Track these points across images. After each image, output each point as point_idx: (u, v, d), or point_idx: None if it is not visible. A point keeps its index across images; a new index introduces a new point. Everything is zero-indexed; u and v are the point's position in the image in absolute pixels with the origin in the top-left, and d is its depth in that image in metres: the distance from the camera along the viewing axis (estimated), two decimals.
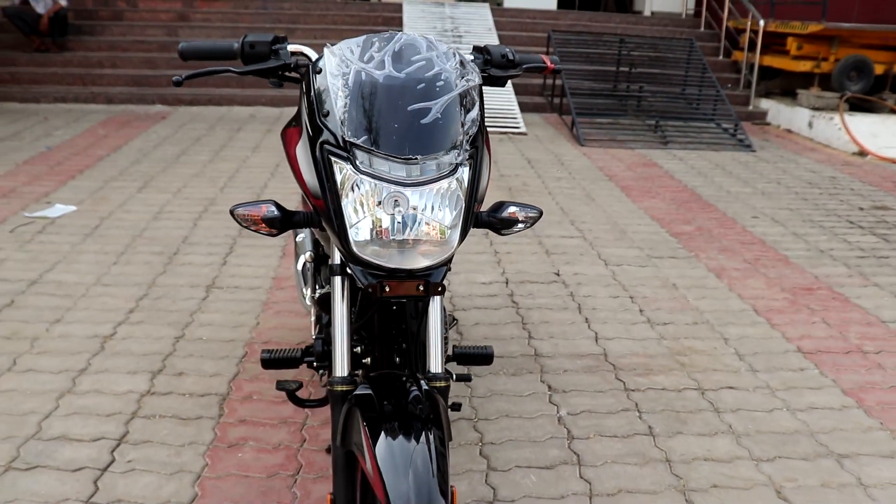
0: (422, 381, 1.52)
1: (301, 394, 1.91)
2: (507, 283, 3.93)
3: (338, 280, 1.59)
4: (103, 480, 2.36)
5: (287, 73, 1.72)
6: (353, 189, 1.42)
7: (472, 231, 4.69)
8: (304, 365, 2.13)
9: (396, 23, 10.11)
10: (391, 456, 1.32)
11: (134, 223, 4.69)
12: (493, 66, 1.78)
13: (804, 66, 8.97)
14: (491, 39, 9.61)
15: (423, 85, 1.47)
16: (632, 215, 5.20)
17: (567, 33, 9.45)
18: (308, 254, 2.21)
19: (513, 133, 7.82)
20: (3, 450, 2.49)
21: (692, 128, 8.25)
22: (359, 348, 1.91)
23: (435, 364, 1.58)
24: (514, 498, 2.30)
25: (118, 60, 9.24)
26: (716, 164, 7.04)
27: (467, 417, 2.71)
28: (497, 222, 1.68)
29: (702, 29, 10.97)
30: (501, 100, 8.42)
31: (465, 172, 1.48)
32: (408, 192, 1.42)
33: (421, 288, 1.49)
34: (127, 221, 4.72)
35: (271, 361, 2.14)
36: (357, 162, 1.43)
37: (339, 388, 1.53)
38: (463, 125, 1.49)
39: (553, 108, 8.96)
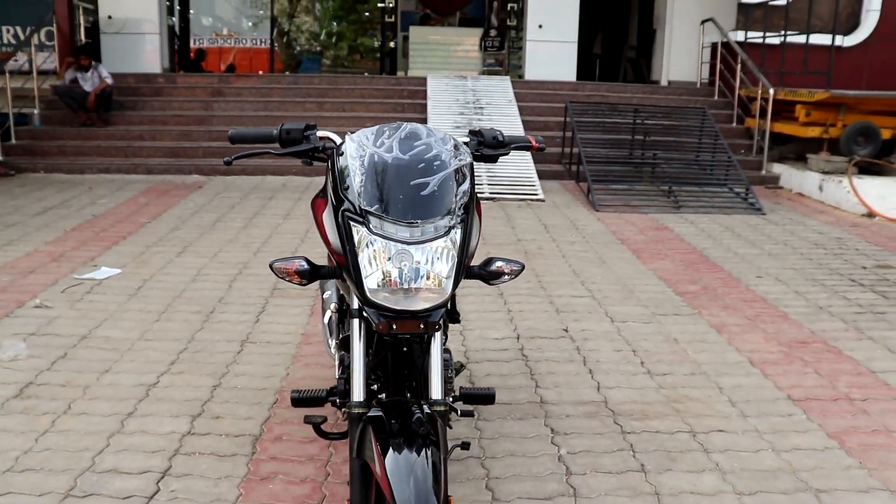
0: (424, 406, 1.83)
1: (326, 428, 2.22)
2: (518, 338, 4.22)
3: (356, 322, 1.93)
4: None
5: (316, 155, 2.11)
6: (367, 246, 1.78)
7: (484, 290, 5.00)
8: (329, 404, 2.44)
9: (421, 95, 10.65)
10: (397, 466, 1.63)
11: (174, 285, 5.08)
12: (485, 147, 2.16)
13: (813, 132, 9.30)
14: (511, 110, 10.09)
15: (423, 164, 1.84)
16: (640, 276, 5.49)
17: (584, 104, 9.91)
18: (333, 305, 2.55)
19: (531, 200, 8.19)
20: (63, 480, 2.81)
21: (705, 192, 8.57)
22: (375, 386, 2.22)
23: (435, 391, 1.89)
24: None
25: (157, 133, 9.84)
26: (726, 226, 7.33)
27: (476, 456, 2.98)
28: (486, 274, 2.04)
29: (716, 97, 11.38)
30: (521, 168, 8.83)
31: (457, 233, 1.84)
32: (411, 249, 1.78)
33: (422, 326, 1.82)
34: (167, 283, 5.11)
35: (300, 400, 2.47)
36: (371, 225, 1.80)
37: (355, 410, 1.86)
38: (456, 196, 1.85)
39: (570, 175, 9.35)
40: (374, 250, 1.78)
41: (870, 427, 3.33)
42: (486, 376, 3.72)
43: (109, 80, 9.84)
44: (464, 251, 1.86)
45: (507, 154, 2.18)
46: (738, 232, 7.11)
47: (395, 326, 1.82)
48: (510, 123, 9.72)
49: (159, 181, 8.82)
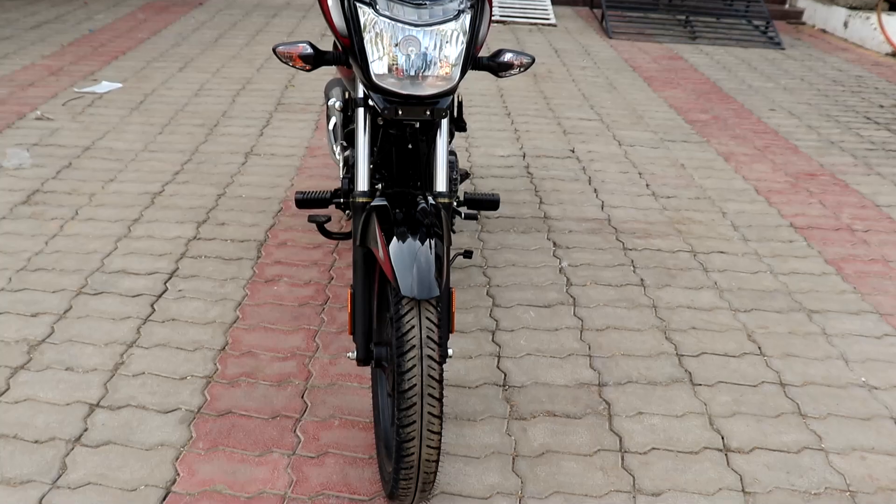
0: (429, 197, 1.83)
1: (329, 228, 2.24)
2: (524, 156, 4.19)
3: (361, 111, 1.89)
4: (158, 304, 2.74)
5: None
6: (373, 28, 1.70)
7: (490, 108, 4.92)
8: (333, 206, 2.45)
9: None
10: (400, 252, 1.64)
11: (176, 99, 4.98)
12: None
13: None
14: None
15: None
16: (651, 103, 5.37)
17: None
18: (338, 104, 2.49)
19: (543, 24, 7.89)
20: (74, 279, 2.87)
21: (723, 24, 8.24)
22: (379, 185, 2.21)
23: (441, 183, 1.88)
24: (514, 328, 2.64)
25: None
26: (742, 59, 7.10)
27: (478, 265, 3.03)
28: (496, 66, 1.97)
29: None
30: None
31: (466, 18, 1.75)
32: (418, 32, 1.70)
33: (428, 112, 1.78)
34: (169, 98, 5.02)
35: (304, 201, 2.48)
36: (377, 6, 1.71)
37: (360, 199, 1.86)
38: None
39: (585, 1, 8.95)
40: (381, 32, 1.71)
41: (868, 256, 3.36)
42: (491, 191, 3.71)
43: None
44: (473, 38, 1.79)
45: None
46: (755, 65, 6.89)
47: (401, 112, 1.78)
48: None
49: None
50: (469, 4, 1.76)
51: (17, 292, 2.80)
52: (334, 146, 2.88)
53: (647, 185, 3.90)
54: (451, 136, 3.10)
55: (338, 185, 3.65)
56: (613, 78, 6.00)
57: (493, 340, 2.57)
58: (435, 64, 1.73)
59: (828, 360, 2.60)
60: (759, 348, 2.63)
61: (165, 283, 2.88)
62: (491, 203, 2.60)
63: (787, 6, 9.41)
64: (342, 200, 2.36)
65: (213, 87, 5.28)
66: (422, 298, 1.57)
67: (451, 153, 2.46)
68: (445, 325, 1.75)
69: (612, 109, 5.15)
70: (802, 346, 2.67)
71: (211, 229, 3.27)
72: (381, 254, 1.65)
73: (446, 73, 1.75)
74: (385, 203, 1.77)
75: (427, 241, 1.66)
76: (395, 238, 1.66)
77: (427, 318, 1.59)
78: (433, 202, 1.81)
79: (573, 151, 4.31)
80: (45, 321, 2.63)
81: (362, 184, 1.88)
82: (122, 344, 2.52)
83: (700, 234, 3.43)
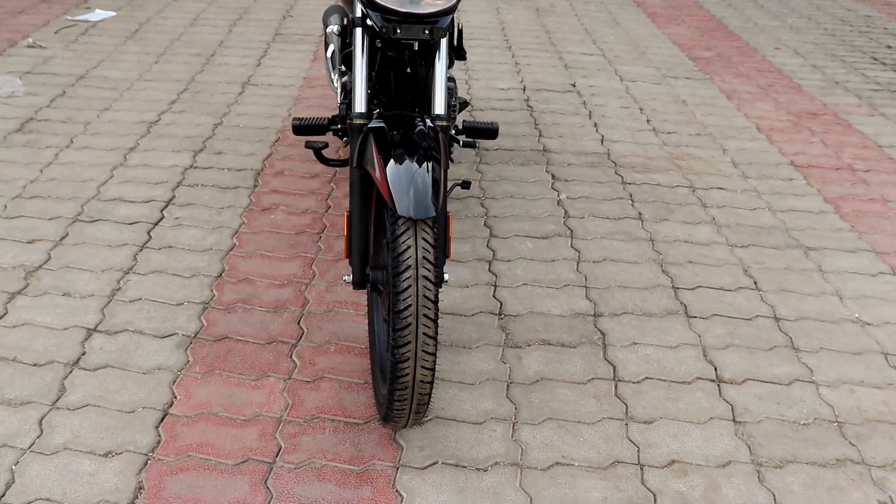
0: (427, 120, 1.80)
1: (326, 154, 2.21)
2: (524, 90, 4.14)
3: (359, 31, 1.85)
4: (155, 231, 2.73)
5: None
6: None
7: (491, 41, 4.84)
8: (331, 133, 2.42)
9: None
10: (397, 174, 1.62)
11: (171, 28, 4.89)
12: None
13: None
14: None
15: None
16: (654, 39, 5.29)
17: None
18: (336, 28, 2.44)
19: None
20: (70, 206, 2.86)
21: None
22: (377, 111, 2.18)
23: (439, 106, 1.85)
24: (511, 258, 2.64)
25: None
26: None
27: (476, 196, 3.02)
28: None
29: None
30: None
31: None
32: None
33: (427, 31, 1.74)
34: (165, 27, 4.93)
35: (301, 128, 2.45)
36: None
37: (357, 121, 1.83)
38: None
39: None
40: None
41: (867, 195, 3.34)
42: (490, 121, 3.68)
43: None
44: None
45: None
46: (761, 3, 6.76)
47: (399, 31, 1.74)
48: None
49: None
50: None
51: (13, 219, 2.79)
52: (332, 73, 2.84)
53: (648, 121, 3.86)
54: (450, 62, 3.06)
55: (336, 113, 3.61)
56: (617, 13, 5.89)
57: (489, 270, 2.58)
58: None
59: (822, 295, 2.61)
60: (755, 283, 2.64)
61: (162, 210, 2.86)
62: (489, 132, 2.57)
63: None
64: (340, 127, 2.33)
65: (210, 16, 5.18)
66: (418, 218, 1.56)
67: (451, 79, 2.42)
68: (442, 248, 1.74)
69: (614, 45, 5.07)
70: (798, 281, 2.67)
71: (208, 158, 3.24)
72: (378, 175, 1.63)
73: None
74: (382, 125, 1.74)
75: (424, 163, 1.64)
76: (392, 159, 1.64)
77: (423, 239, 1.58)
78: (431, 125, 1.78)
79: (574, 86, 4.25)
80: (41, 248, 2.62)
81: (360, 105, 1.85)
82: (118, 270, 2.52)
83: (699, 170, 3.41)
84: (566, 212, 2.95)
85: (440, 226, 1.73)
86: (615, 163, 3.38)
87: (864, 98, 4.55)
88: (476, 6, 5.76)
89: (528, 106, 3.92)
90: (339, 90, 2.53)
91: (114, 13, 5.16)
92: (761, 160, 3.57)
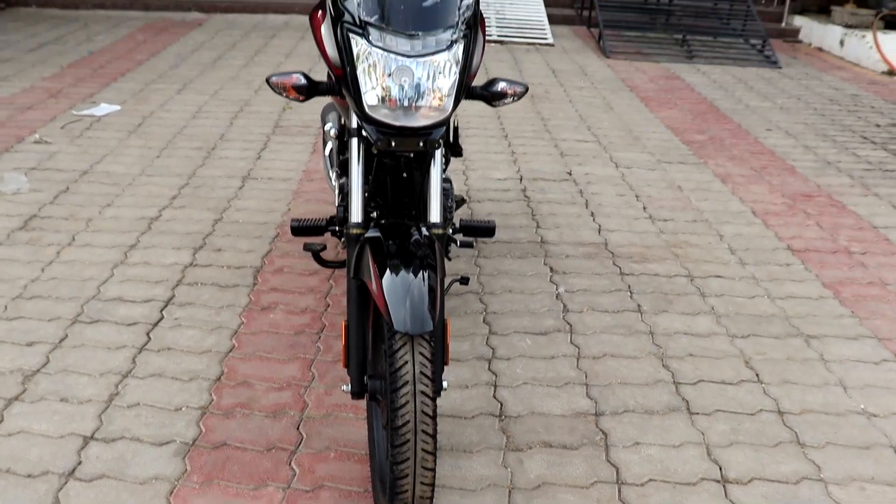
0: (423, 229, 1.82)
1: (325, 256, 2.23)
2: (520, 179, 4.20)
3: (354, 141, 1.89)
4: (154, 333, 2.73)
5: None
6: (366, 59, 1.71)
7: (488, 131, 4.93)
8: (329, 233, 2.45)
9: None
10: (393, 286, 1.63)
11: (174, 122, 5.00)
12: None
13: None
14: None
15: None
16: (647, 124, 5.39)
17: None
18: (333, 130, 2.49)
19: (540, 44, 7.93)
20: (70, 307, 2.87)
21: (720, 43, 8.28)
22: (374, 213, 2.21)
23: (434, 215, 1.88)
24: (510, 356, 2.63)
25: None
26: (739, 79, 7.12)
27: (474, 291, 3.02)
28: (489, 95, 1.98)
29: None
30: (530, 11, 8.49)
31: (459, 48, 1.76)
32: (411, 63, 1.71)
33: (421, 143, 1.78)
34: (168, 120, 5.03)
35: (300, 229, 2.48)
36: (370, 37, 1.71)
37: (353, 231, 1.85)
38: (459, 9, 1.77)
39: (582, 20, 9.00)
40: (374, 63, 1.71)
41: (865, 279, 3.35)
42: (488, 215, 3.72)
43: None
44: (466, 68, 1.79)
45: None
46: (752, 84, 6.91)
47: (394, 143, 1.78)
48: None
49: (157, 18, 8.52)
50: (462, 34, 1.77)
51: (13, 321, 2.79)
52: (330, 172, 2.88)
53: (644, 208, 3.90)
54: (446, 162, 3.11)
55: (334, 210, 3.65)
56: (610, 98, 6.02)
57: (489, 369, 2.57)
58: (428, 94, 1.73)
59: (826, 386, 2.59)
60: (757, 375, 2.62)
61: (161, 310, 2.87)
62: (487, 230, 2.60)
63: (783, 24, 9.46)
64: (338, 228, 2.36)
65: (212, 109, 5.30)
66: (415, 334, 1.56)
67: (446, 180, 2.46)
68: (440, 359, 1.74)
69: (609, 130, 5.16)
70: (800, 372, 2.66)
71: (207, 255, 3.27)
72: (374, 287, 1.65)
73: (439, 104, 1.75)
74: (378, 235, 1.76)
75: (420, 274, 1.66)
76: (388, 271, 1.66)
77: (420, 354, 1.58)
78: (427, 233, 1.80)
79: (570, 174, 4.32)
80: (40, 350, 2.62)
81: (356, 215, 1.88)
82: (117, 374, 2.51)
83: (697, 257, 3.42)
84: (565, 306, 2.96)
85: (438, 335, 1.73)
86: (613, 253, 3.40)
87: (857, 178, 4.61)
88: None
89: (525, 196, 3.97)
90: (336, 190, 2.57)
91: (118, 107, 5.27)
92: (758, 245, 3.60)
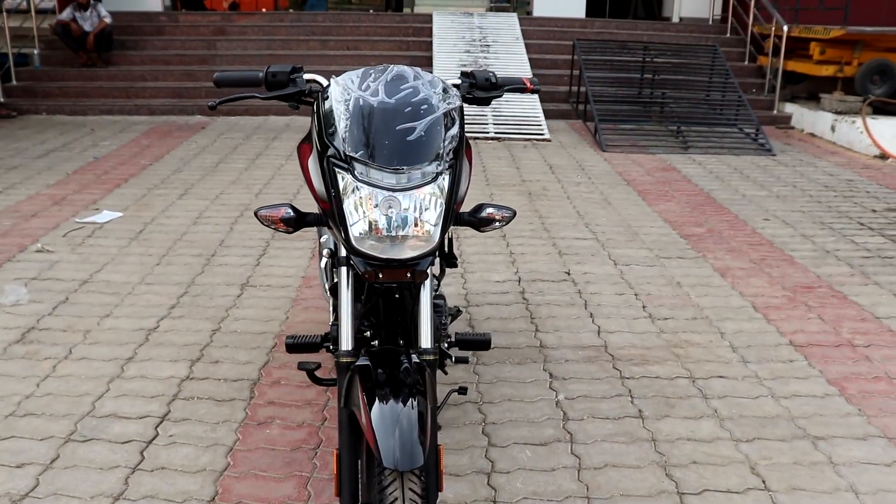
0: (413, 355, 1.81)
1: (320, 374, 2.21)
2: (519, 281, 4.20)
3: (343, 270, 1.90)
4: (148, 451, 2.68)
5: (303, 98, 2.04)
6: (352, 193, 1.73)
7: (489, 233, 4.96)
8: (324, 349, 2.43)
9: (426, 33, 10.44)
10: (382, 416, 1.61)
11: (175, 228, 5.05)
12: (477, 89, 2.07)
13: (827, 71, 9.08)
14: (518, 48, 9.88)
15: (409, 108, 1.77)
16: (645, 218, 5.43)
17: (592, 41, 9.68)
18: (326, 250, 2.51)
19: (537, 140, 8.08)
20: (63, 424, 2.83)
21: (714, 133, 8.43)
22: (368, 332, 2.20)
23: (425, 340, 1.87)
24: (510, 469, 2.57)
25: (160, 73, 9.70)
26: (735, 168, 7.22)
27: (473, 401, 2.98)
28: (476, 221, 1.98)
29: (728, 35, 11.12)
30: (527, 108, 8.69)
31: (445, 180, 1.78)
32: (398, 196, 1.72)
33: (409, 275, 1.78)
34: (169, 226, 5.09)
35: (295, 346, 2.47)
36: (356, 172, 1.74)
37: (343, 359, 1.84)
38: (444, 140, 1.79)
39: (578, 114, 9.20)
40: (360, 197, 1.73)
41: (871, 374, 3.31)
42: (486, 320, 3.71)
43: (108, 20, 9.66)
44: (452, 198, 1.81)
45: (500, 96, 2.10)
46: (747, 173, 7.00)
47: (381, 275, 1.78)
48: (517, 62, 9.53)
49: (162, 122, 8.73)
50: (447, 165, 1.80)
51: (4, 440, 2.75)
52: (325, 284, 2.89)
53: (644, 307, 3.89)
54: (441, 274, 3.12)
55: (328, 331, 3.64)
56: (608, 193, 6.09)
57: (488, 484, 2.50)
58: (414, 226, 1.74)
59: (836, 492, 2.52)
60: (764, 482, 2.55)
61: (156, 427, 2.83)
62: (482, 343, 2.58)
63: (775, 112, 9.65)
64: (332, 347, 2.35)
65: (212, 214, 5.37)
66: (404, 470, 1.53)
67: (439, 296, 2.46)
68: (433, 491, 1.70)
69: (606, 227, 5.19)
70: (808, 477, 2.59)
71: (204, 368, 3.24)
72: (363, 419, 1.62)
73: (426, 235, 1.76)
74: (368, 363, 1.75)
75: (410, 404, 1.64)
76: (377, 401, 1.64)
77: (410, 490, 1.55)
78: (417, 360, 1.79)
79: (569, 274, 4.32)
80: (30, 472, 2.57)
81: (345, 342, 1.87)
82: (108, 497, 2.45)
83: (698, 357, 3.39)
84: (565, 413, 2.91)
85: (430, 463, 1.69)
86: (613, 356, 3.37)
87: (856, 266, 4.60)
88: (469, 194, 5.96)
89: (524, 298, 3.96)
90: (330, 306, 2.57)
91: (120, 214, 5.34)
92: (760, 342, 3.56)
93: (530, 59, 9.69)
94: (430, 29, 10.40)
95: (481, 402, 2.98)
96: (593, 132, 8.30)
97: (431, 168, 1.77)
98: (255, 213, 1.91)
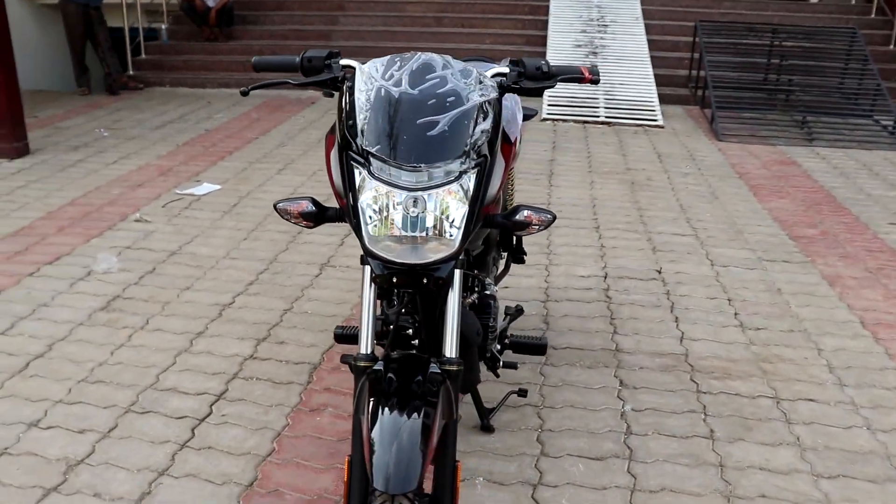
0: (433, 365, 1.68)
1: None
2: (605, 277, 3.98)
3: (367, 269, 1.78)
4: (199, 429, 2.69)
5: (338, 85, 1.92)
6: (368, 191, 1.60)
7: (579, 222, 4.74)
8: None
9: (543, 11, 10.16)
10: (382, 429, 1.50)
11: (268, 203, 5.11)
12: (526, 78, 1.89)
13: None
14: (637, 29, 9.46)
15: (434, 100, 1.63)
16: (753, 215, 5.05)
17: (716, 23, 9.14)
18: None
19: (648, 126, 7.72)
20: (127, 395, 2.90)
21: (845, 124, 7.79)
22: (410, 330, 2.09)
23: (449, 348, 1.73)
24: (558, 483, 2.41)
25: (277, 48, 9.88)
26: (863, 163, 6.63)
27: (533, 404, 2.83)
28: (511, 224, 1.80)
29: (872, 15, 10.25)
30: (641, 91, 8.31)
31: (470, 179, 1.63)
32: (416, 196, 1.59)
33: (426, 281, 1.65)
34: (263, 201, 5.15)
35: (343, 336, 2.41)
36: (372, 168, 1.61)
37: (360, 363, 1.73)
38: (471, 136, 1.63)
39: (696, 100, 8.72)
40: (375, 196, 1.61)
41: None
42: (563, 317, 3.53)
43: None
44: (478, 199, 1.65)
45: (552, 87, 1.90)
46: (877, 170, 6.42)
47: (395, 280, 1.65)
48: (635, 44, 9.13)
49: (275, 96, 8.90)
50: (474, 163, 1.64)
51: (73, 405, 2.84)
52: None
53: (736, 315, 3.59)
54: (504, 270, 2.96)
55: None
56: (717, 186, 5.71)
57: (532, 496, 2.35)
58: (433, 230, 1.60)
59: None
60: None
61: (211, 405, 2.84)
62: (537, 348, 2.44)
63: None
64: (384, 342, 2.25)
65: (307, 190, 5.40)
66: (394, 493, 1.41)
67: (490, 297, 2.30)
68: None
69: (709, 223, 4.86)
70: None
71: (269, 348, 3.24)
72: (365, 431, 1.52)
73: (447, 239, 1.62)
74: (381, 370, 1.64)
75: (415, 417, 1.52)
76: (382, 412, 1.53)
77: None
78: (438, 370, 1.66)
79: (659, 272, 4.06)
80: (89, 439, 2.64)
81: (364, 346, 1.76)
82: (154, 471, 2.48)
83: (788, 375, 3.09)
84: (629, 426, 2.71)
85: (446, 481, 1.57)
86: (692, 366, 3.12)
87: None
88: (569, 181, 5.74)
89: (607, 297, 3.75)
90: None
91: (219, 186, 5.46)
92: (863, 363, 3.22)
93: (650, 41, 9.26)
94: (547, 7, 10.11)
95: (542, 405, 2.82)
96: (710, 120, 7.84)
97: (454, 166, 1.62)
98: (275, 206, 1.82)
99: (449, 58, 1.74)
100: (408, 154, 1.59)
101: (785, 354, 3.25)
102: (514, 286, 3.83)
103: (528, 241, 4.43)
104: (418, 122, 1.60)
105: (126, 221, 4.79)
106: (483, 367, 2.55)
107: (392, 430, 1.49)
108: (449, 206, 1.60)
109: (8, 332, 3.40)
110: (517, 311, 2.74)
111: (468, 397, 2.68)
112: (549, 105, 8.00)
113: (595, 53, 8.94)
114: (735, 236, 4.64)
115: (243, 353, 3.20)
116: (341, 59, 1.92)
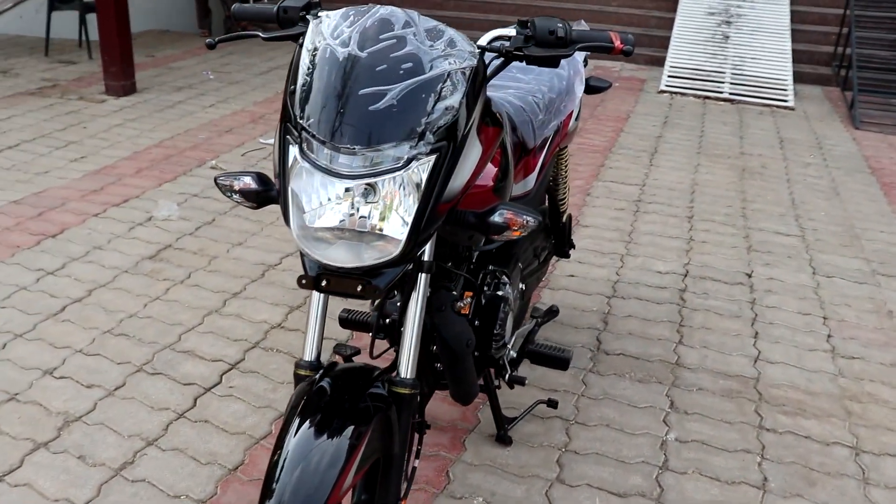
0: (378, 384, 1.40)
1: (358, 360, 1.86)
2: (685, 276, 3.54)
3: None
4: (202, 399, 2.55)
5: None
6: (297, 175, 1.31)
7: (671, 209, 4.28)
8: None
9: None
10: (294, 447, 1.25)
11: None
12: (536, 44, 1.52)
13: None
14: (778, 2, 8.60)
15: (384, 66, 1.30)
16: (879, 218, 4.42)
17: None
18: None
19: (777, 106, 7.00)
20: (144, 352, 2.79)
21: None
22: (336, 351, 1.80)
23: (404, 367, 1.44)
24: None
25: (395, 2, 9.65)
26: None
27: (564, 417, 2.50)
28: (483, 226, 1.45)
29: None
30: (774, 67, 7.54)
31: (423, 167, 1.30)
32: (353, 184, 1.28)
33: (360, 288, 1.34)
34: None
35: (348, 321, 2.18)
36: (304, 146, 1.31)
37: (300, 371, 1.48)
38: (430, 114, 1.30)
39: (838, 81, 7.86)
40: (305, 181, 1.31)
41: None
42: (626, 317, 3.15)
43: None
44: (433, 191, 1.32)
45: (568, 55, 1.52)
46: None
47: (324, 283, 1.36)
48: (776, 14, 8.29)
49: None
50: (429, 148, 1.30)
51: (90, 357, 2.77)
52: None
53: (829, 337, 3.10)
54: (545, 264, 2.61)
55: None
56: (841, 181, 5.06)
57: None
58: (370, 228, 1.29)
59: None
60: None
61: (222, 374, 2.68)
62: (558, 361, 2.12)
63: None
64: (383, 336, 1.98)
65: None
66: None
67: (500, 298, 1.97)
68: None
69: (821, 223, 4.29)
70: None
71: (299, 317, 3.05)
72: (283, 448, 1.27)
73: (391, 239, 1.30)
74: (322, 383, 1.37)
75: (333, 442, 1.25)
76: (298, 430, 1.27)
77: None
78: (385, 392, 1.38)
79: (749, 276, 3.58)
80: (94, 395, 2.56)
81: (308, 352, 1.49)
82: (143, 440, 2.35)
83: (878, 421, 2.60)
84: (667, 459, 2.34)
85: None
86: (760, 394, 2.69)
87: None
88: (673, 162, 5.23)
89: (682, 299, 3.32)
90: None
91: None
92: None
93: (794, 12, 8.39)
94: None
95: (573, 420, 2.49)
96: (849, 104, 7.03)
97: (402, 150, 1.28)
98: (215, 181, 1.55)
99: (415, 14, 1.40)
100: (342, 132, 1.28)
101: (880, 394, 2.75)
102: (580, 276, 3.47)
103: (608, 226, 4.04)
104: (360, 92, 1.29)
105: (202, 167, 4.72)
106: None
107: (303, 450, 1.24)
108: (394, 199, 1.29)
109: (58, 272, 3.38)
110: (549, 313, 2.39)
111: (485, 399, 2.40)
112: (670, 77, 7.40)
113: (728, 22, 8.19)
114: (849, 242, 4.05)
115: (272, 321, 3.02)
116: (321, 10, 1.62)
